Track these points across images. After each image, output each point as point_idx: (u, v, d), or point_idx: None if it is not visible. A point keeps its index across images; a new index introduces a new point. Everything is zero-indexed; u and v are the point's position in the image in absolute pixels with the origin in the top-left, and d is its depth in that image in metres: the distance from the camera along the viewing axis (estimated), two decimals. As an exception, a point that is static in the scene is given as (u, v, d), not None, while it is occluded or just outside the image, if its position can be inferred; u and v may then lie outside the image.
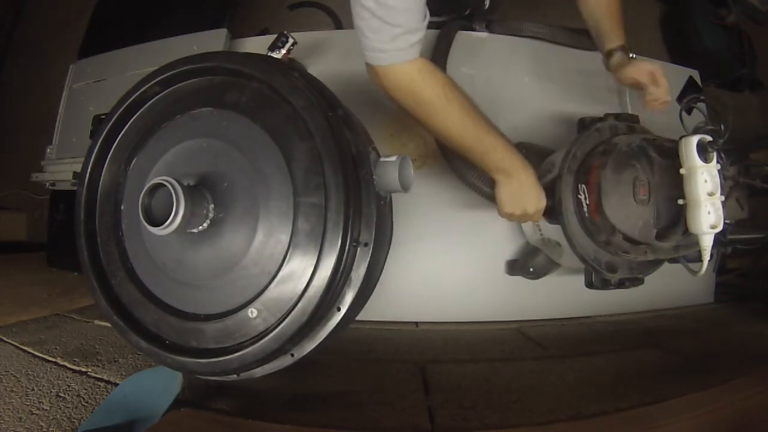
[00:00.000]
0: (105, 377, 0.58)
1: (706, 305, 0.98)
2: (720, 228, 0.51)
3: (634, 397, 0.53)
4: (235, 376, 0.50)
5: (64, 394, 0.54)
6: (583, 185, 0.58)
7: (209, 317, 0.47)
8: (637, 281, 0.62)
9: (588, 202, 0.58)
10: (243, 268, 0.46)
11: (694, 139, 0.52)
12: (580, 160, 0.61)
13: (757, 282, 1.01)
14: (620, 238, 0.57)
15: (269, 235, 0.46)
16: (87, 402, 0.52)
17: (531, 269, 0.79)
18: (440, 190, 0.86)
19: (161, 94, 0.54)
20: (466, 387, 0.61)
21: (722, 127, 0.53)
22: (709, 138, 0.51)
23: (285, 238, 0.45)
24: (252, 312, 0.45)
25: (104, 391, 0.55)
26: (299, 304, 0.44)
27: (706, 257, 0.53)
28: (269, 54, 0.65)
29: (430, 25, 0.51)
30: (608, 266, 0.60)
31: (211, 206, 0.47)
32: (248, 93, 0.50)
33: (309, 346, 0.49)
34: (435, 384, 0.60)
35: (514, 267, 0.85)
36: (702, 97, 0.61)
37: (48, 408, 0.51)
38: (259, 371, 0.50)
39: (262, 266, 0.46)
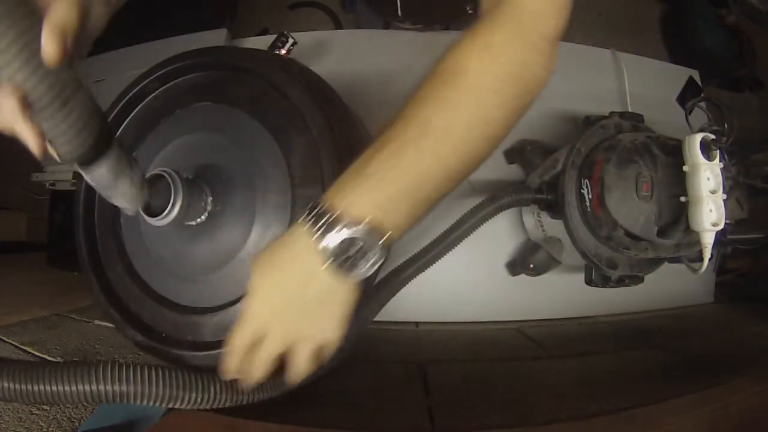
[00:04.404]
0: (105, 377, 0.58)
1: (706, 305, 0.98)
2: (721, 226, 0.51)
3: (634, 397, 0.53)
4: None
5: (64, 394, 0.54)
6: (586, 180, 0.59)
7: (206, 310, 0.47)
8: (637, 279, 0.63)
9: (590, 197, 0.58)
10: (240, 260, 0.46)
11: (698, 137, 0.52)
12: (584, 155, 0.61)
13: (757, 282, 1.01)
14: (622, 233, 0.57)
15: (267, 228, 0.46)
16: (87, 402, 0.53)
17: (531, 265, 0.79)
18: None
19: (160, 90, 0.54)
20: (466, 387, 0.61)
21: (726, 127, 0.53)
22: (712, 136, 0.52)
23: (283, 230, 0.45)
24: None
25: (104, 391, 0.55)
26: None
27: (707, 255, 0.54)
28: (269, 53, 0.65)
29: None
30: (609, 262, 0.60)
31: (209, 199, 0.47)
32: (246, 87, 0.50)
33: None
34: (435, 384, 0.60)
35: (515, 265, 0.85)
36: (705, 98, 0.61)
37: (48, 408, 0.51)
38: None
39: None
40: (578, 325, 0.88)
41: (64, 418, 0.50)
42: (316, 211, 0.32)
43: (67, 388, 0.34)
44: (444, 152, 0.31)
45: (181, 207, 0.42)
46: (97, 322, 0.78)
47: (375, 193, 0.31)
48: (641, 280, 0.63)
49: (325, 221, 0.31)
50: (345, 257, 0.31)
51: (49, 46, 0.28)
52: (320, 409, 0.54)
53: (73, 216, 0.54)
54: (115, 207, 0.52)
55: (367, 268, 0.32)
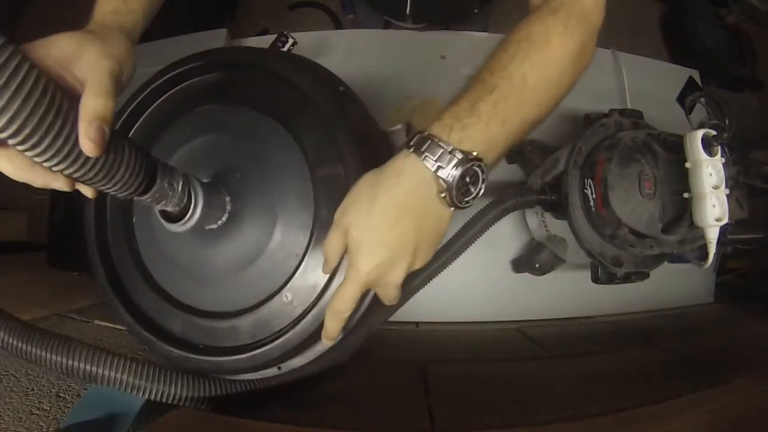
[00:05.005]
0: (105, 377, 0.58)
1: (706, 305, 0.98)
2: (725, 221, 0.52)
3: (634, 397, 0.53)
4: (276, 369, 0.49)
5: (64, 394, 0.54)
6: (589, 180, 0.59)
7: (241, 312, 0.47)
8: (642, 275, 0.63)
9: (594, 197, 0.58)
10: (269, 255, 0.46)
11: (699, 133, 0.52)
12: (586, 155, 0.61)
13: (757, 282, 1.01)
14: (626, 231, 0.57)
15: (292, 216, 0.46)
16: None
17: (537, 265, 0.79)
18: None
19: (165, 96, 0.54)
20: (466, 387, 0.61)
21: (726, 121, 0.53)
22: (713, 132, 0.52)
23: (308, 215, 0.45)
24: (286, 296, 0.45)
25: (104, 391, 0.55)
26: (334, 279, 0.43)
27: (712, 250, 0.54)
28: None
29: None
30: (614, 260, 0.60)
31: (227, 199, 0.46)
32: (247, 83, 0.50)
33: (349, 323, 0.46)
34: (435, 384, 0.60)
35: (520, 263, 0.85)
36: (704, 95, 0.61)
37: (48, 408, 0.51)
38: (302, 360, 0.48)
39: (289, 249, 0.45)
40: (578, 325, 0.88)
41: (64, 418, 0.49)
42: (427, 145, 0.34)
43: (48, 355, 0.40)
44: (536, 103, 0.36)
45: (202, 210, 0.41)
46: (97, 322, 0.78)
47: (484, 132, 0.34)
48: (647, 275, 0.63)
49: (442, 154, 0.33)
50: (459, 187, 0.34)
51: (87, 143, 0.28)
52: (320, 410, 0.54)
53: (86, 234, 0.53)
54: (129, 223, 0.52)
55: (471, 197, 0.36)
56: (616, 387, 0.59)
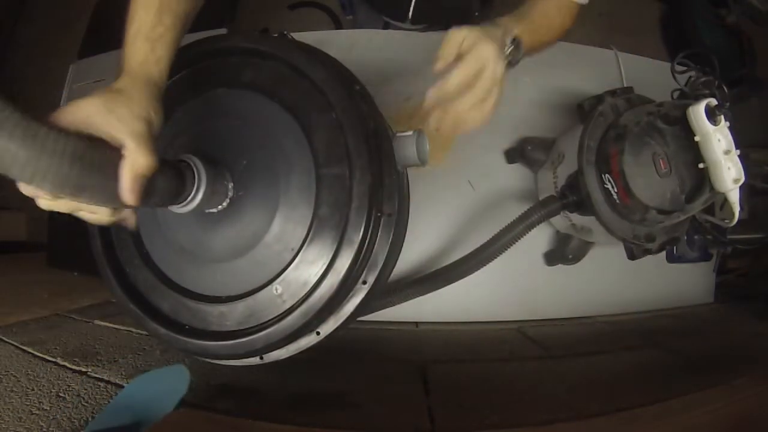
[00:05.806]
0: (105, 377, 0.58)
1: (706, 305, 0.98)
2: (743, 179, 0.53)
3: (634, 397, 0.53)
4: (258, 359, 0.49)
5: (64, 394, 0.54)
6: (607, 174, 0.59)
7: (231, 298, 0.47)
8: (675, 240, 0.64)
9: (616, 190, 0.59)
10: (264, 246, 0.46)
11: (701, 106, 0.53)
12: (595, 150, 0.61)
13: (757, 282, 1.01)
14: (654, 213, 0.58)
15: (292, 210, 0.46)
16: (87, 402, 0.53)
17: (570, 256, 0.80)
18: (440, 192, 0.87)
19: (173, 79, 0.53)
20: (466, 387, 0.61)
21: (714, 75, 0.54)
22: (714, 102, 0.53)
23: (308, 211, 0.45)
24: (276, 289, 0.45)
25: (104, 391, 0.55)
26: (326, 278, 0.43)
27: (736, 210, 0.56)
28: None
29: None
30: (647, 237, 0.62)
31: (230, 185, 0.46)
32: (264, 71, 0.50)
33: (335, 322, 0.48)
34: (435, 384, 0.60)
35: (553, 257, 0.85)
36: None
37: (48, 408, 0.51)
38: (284, 353, 0.49)
39: (285, 242, 0.45)
40: (578, 325, 0.88)
41: (64, 418, 0.50)
42: (502, 25, 0.52)
43: None
44: (537, 42, 0.57)
45: (204, 193, 0.42)
46: (97, 322, 0.78)
47: (524, 35, 0.53)
48: (678, 240, 0.64)
49: (509, 30, 0.52)
50: (511, 52, 0.52)
51: (128, 195, 0.32)
52: (320, 409, 0.54)
53: None
54: None
55: (515, 62, 0.53)
56: (616, 387, 0.59)
